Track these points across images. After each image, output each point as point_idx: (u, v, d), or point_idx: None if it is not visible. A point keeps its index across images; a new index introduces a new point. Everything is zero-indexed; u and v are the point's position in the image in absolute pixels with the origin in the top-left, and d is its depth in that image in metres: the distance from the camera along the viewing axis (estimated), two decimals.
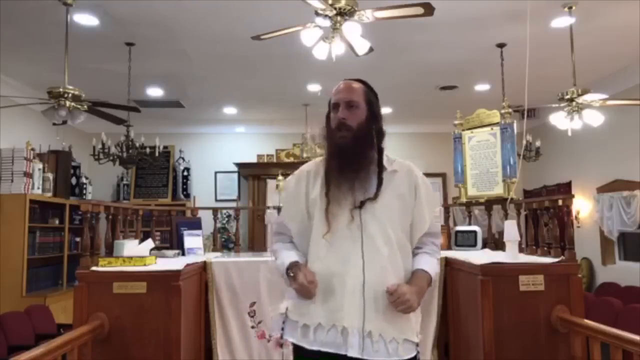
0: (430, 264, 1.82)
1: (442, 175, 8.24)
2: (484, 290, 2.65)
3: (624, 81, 6.06)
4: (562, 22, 4.58)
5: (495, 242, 3.77)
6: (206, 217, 4.02)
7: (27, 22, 4.50)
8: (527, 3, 3.94)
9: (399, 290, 1.65)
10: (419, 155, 7.59)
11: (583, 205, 7.03)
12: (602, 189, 6.55)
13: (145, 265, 2.82)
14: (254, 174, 8.22)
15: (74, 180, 7.01)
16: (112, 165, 6.00)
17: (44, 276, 6.07)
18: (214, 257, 3.36)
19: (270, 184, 7.91)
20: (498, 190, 3.67)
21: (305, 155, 7.49)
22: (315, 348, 1.69)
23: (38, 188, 5.90)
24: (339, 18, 3.53)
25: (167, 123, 8.24)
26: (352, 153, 1.74)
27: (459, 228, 3.79)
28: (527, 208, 3.32)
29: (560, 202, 2.95)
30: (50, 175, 6.18)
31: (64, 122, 4.41)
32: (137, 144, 5.71)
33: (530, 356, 2.63)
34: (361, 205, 1.73)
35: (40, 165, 5.99)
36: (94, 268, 2.75)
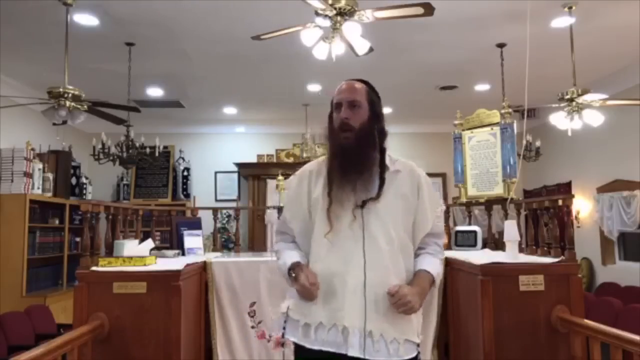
0: (432, 265, 1.81)
1: (442, 175, 8.24)
2: (484, 290, 2.65)
3: (624, 81, 6.06)
4: (562, 22, 4.58)
5: (495, 242, 3.77)
6: (206, 217, 4.02)
7: (27, 22, 4.50)
8: (527, 3, 3.94)
9: (400, 291, 1.64)
10: (419, 155, 7.58)
11: (583, 205, 7.03)
12: (602, 189, 6.55)
13: (145, 265, 2.82)
14: (254, 174, 8.22)
15: (74, 180, 7.01)
16: (112, 165, 6.00)
17: (44, 276, 6.07)
18: (214, 257, 3.36)
19: (270, 184, 7.90)
20: (498, 190, 3.66)
21: (305, 155, 7.49)
22: (316, 347, 1.69)
23: (38, 188, 5.91)
24: (339, 18, 3.53)
25: (167, 123, 8.24)
26: (355, 154, 1.74)
27: (459, 228, 3.79)
28: (527, 208, 3.32)
29: (560, 202, 2.95)
30: (50, 175, 6.18)
31: (64, 122, 4.41)
32: (137, 144, 5.71)
33: (530, 356, 2.63)
34: (363, 204, 1.73)
35: (40, 165, 5.99)
36: (94, 268, 2.74)
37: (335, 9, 3.49)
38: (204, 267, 3.21)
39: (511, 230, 2.90)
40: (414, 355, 1.73)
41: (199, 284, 3.15)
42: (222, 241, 6.98)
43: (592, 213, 6.79)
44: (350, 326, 1.66)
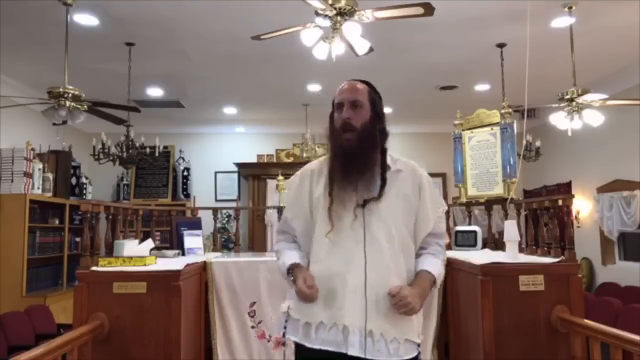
0: (434, 265, 1.81)
1: (442, 175, 8.24)
2: (484, 290, 2.65)
3: (624, 81, 6.06)
4: (562, 22, 4.58)
5: (495, 242, 3.77)
6: (206, 217, 4.02)
7: (27, 22, 4.50)
8: (527, 3, 3.94)
9: (400, 292, 1.64)
10: (419, 155, 7.58)
11: (583, 205, 7.03)
12: (602, 189, 6.55)
13: (145, 265, 2.82)
14: (254, 174, 8.22)
15: (74, 180, 7.01)
16: (112, 165, 6.00)
17: (44, 276, 6.07)
18: (214, 257, 3.36)
19: (270, 184, 7.90)
20: (498, 190, 3.66)
21: (305, 155, 7.49)
22: (316, 346, 1.69)
23: (38, 188, 5.91)
24: (339, 18, 3.53)
25: (167, 123, 8.24)
26: (357, 154, 1.74)
27: (459, 228, 3.79)
28: (527, 208, 3.32)
29: (560, 202, 2.95)
30: (50, 175, 6.18)
31: (64, 122, 4.41)
32: (137, 144, 5.71)
33: (530, 356, 2.63)
34: (364, 204, 1.73)
35: (40, 165, 5.99)
36: (94, 268, 2.74)
37: (335, 9, 3.49)
38: (204, 267, 3.21)
39: (511, 230, 2.90)
40: (414, 355, 1.73)
41: (199, 284, 3.15)
42: (222, 241, 6.99)
43: (592, 213, 6.79)
44: (351, 325, 1.66)
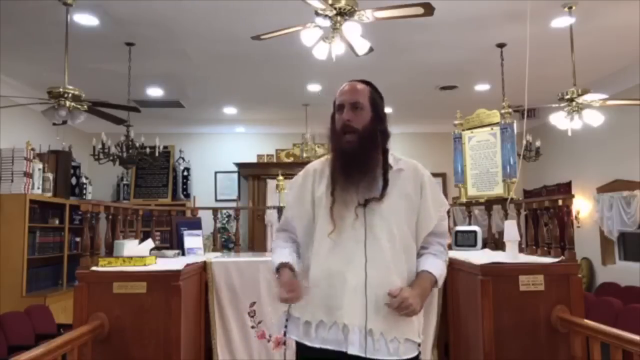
0: (435, 266, 1.80)
1: (442, 175, 8.24)
2: (484, 290, 2.65)
3: (624, 81, 6.06)
4: (562, 22, 4.58)
5: (495, 242, 3.77)
6: (206, 217, 4.02)
7: (27, 22, 4.50)
8: (527, 3, 3.94)
9: (401, 294, 1.64)
10: (419, 155, 7.52)
11: (583, 205, 7.03)
12: (602, 189, 6.55)
13: (145, 265, 2.82)
14: (254, 174, 8.22)
15: (74, 180, 7.01)
16: (112, 165, 6.00)
17: (44, 276, 6.07)
18: (214, 257, 3.36)
19: (270, 184, 7.91)
20: (498, 190, 3.67)
21: (305, 155, 7.50)
22: (316, 345, 1.70)
23: (38, 188, 5.91)
24: (339, 18, 3.53)
25: (167, 123, 8.24)
26: (358, 156, 1.74)
27: (459, 228, 3.79)
28: (527, 208, 3.32)
29: (560, 202, 2.95)
30: (50, 175, 6.18)
31: (64, 122, 4.41)
32: (137, 144, 5.71)
33: (530, 356, 2.63)
34: (366, 203, 1.73)
35: (40, 165, 5.99)
36: (94, 268, 2.75)
37: (335, 9, 3.49)
38: (204, 267, 3.21)
39: (511, 230, 2.90)
40: (414, 354, 1.73)
41: (199, 284, 3.15)
42: (222, 241, 6.98)
43: (592, 213, 6.79)
44: (351, 324, 1.66)
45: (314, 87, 6.57)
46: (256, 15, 4.39)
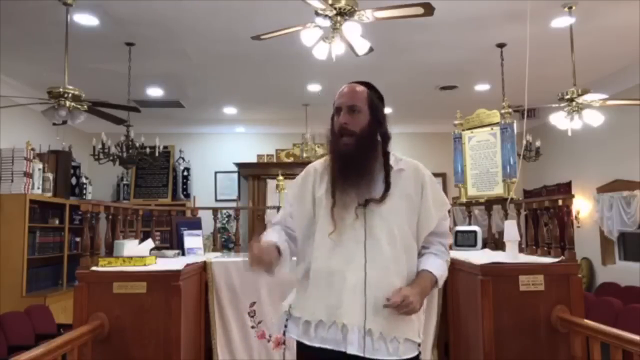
0: (436, 265, 1.80)
1: (442, 175, 8.24)
2: (484, 290, 2.65)
3: (624, 81, 6.06)
4: (562, 22, 4.58)
5: (495, 242, 3.77)
6: (206, 217, 4.02)
7: (27, 22, 4.50)
8: (527, 3, 3.94)
9: (401, 292, 1.64)
10: (419, 155, 7.47)
11: (583, 205, 7.03)
12: (602, 189, 6.55)
13: (145, 265, 2.82)
14: (254, 174, 8.23)
15: (74, 180, 7.01)
16: (112, 165, 6.00)
17: (44, 276, 6.07)
18: (214, 257, 3.36)
19: (270, 184, 7.91)
20: (498, 190, 3.67)
21: (305, 155, 7.50)
22: (315, 344, 1.70)
23: (38, 188, 5.90)
24: (339, 18, 3.53)
25: (167, 123, 8.24)
26: (355, 158, 1.74)
27: (459, 228, 3.79)
28: (527, 208, 3.32)
29: (560, 202, 2.95)
30: (50, 175, 6.18)
31: (64, 122, 4.41)
32: (137, 144, 5.71)
33: (530, 356, 2.63)
34: (366, 204, 1.73)
35: (40, 165, 5.99)
36: (94, 268, 2.75)
37: (335, 9, 3.49)
38: (204, 267, 3.21)
39: (511, 230, 2.90)
40: (414, 354, 1.72)
41: (199, 284, 3.15)
42: (222, 241, 6.98)
43: (592, 213, 6.79)
44: (350, 324, 1.66)
45: (314, 87, 6.57)
46: (256, 15, 4.39)
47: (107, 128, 6.02)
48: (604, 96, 4.71)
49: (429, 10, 3.40)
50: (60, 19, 4.15)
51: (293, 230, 1.90)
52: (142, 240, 3.09)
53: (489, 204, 3.79)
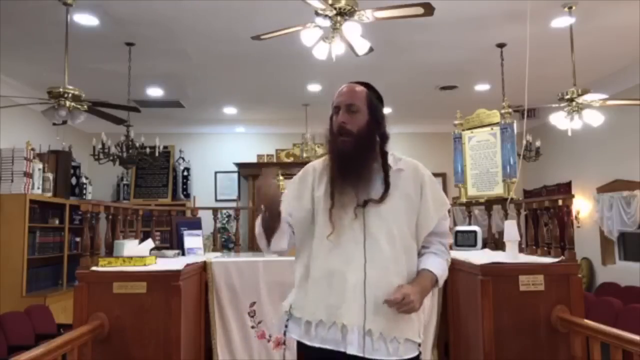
0: (436, 264, 1.79)
1: (442, 175, 8.24)
2: (484, 290, 2.65)
3: (624, 81, 6.06)
4: (562, 22, 4.58)
5: (495, 242, 3.77)
6: (206, 217, 4.02)
7: (27, 22, 4.50)
8: (527, 3, 3.94)
9: (401, 290, 1.63)
10: (419, 155, 7.46)
11: (583, 205, 7.03)
12: (602, 189, 6.55)
13: (145, 265, 2.82)
14: (254, 174, 8.22)
15: (74, 180, 7.01)
16: (112, 165, 6.00)
17: (44, 276, 6.07)
18: (214, 257, 3.36)
19: None
20: (498, 190, 3.67)
21: (305, 155, 7.50)
22: (316, 344, 1.69)
23: (38, 188, 5.90)
24: (339, 18, 3.53)
25: (167, 123, 8.24)
26: (354, 158, 1.74)
27: (459, 228, 3.79)
28: (527, 208, 3.32)
29: (560, 202, 2.95)
30: (50, 175, 6.18)
31: (64, 122, 4.41)
32: (137, 144, 5.71)
33: (530, 356, 2.63)
34: (364, 204, 1.73)
35: (40, 165, 5.99)
36: (94, 268, 2.75)
37: (335, 9, 3.49)
38: (204, 267, 3.21)
39: (511, 230, 2.90)
40: (414, 354, 1.72)
41: (199, 284, 3.15)
42: (222, 241, 6.99)
43: (592, 213, 6.79)
44: (349, 324, 1.66)
45: (314, 87, 6.57)
46: (256, 15, 4.39)
47: (107, 128, 6.02)
48: (604, 96, 4.71)
49: (429, 10, 3.40)
50: (60, 19, 4.15)
51: (292, 228, 1.89)
52: (142, 240, 3.09)
53: (489, 204, 3.79)
